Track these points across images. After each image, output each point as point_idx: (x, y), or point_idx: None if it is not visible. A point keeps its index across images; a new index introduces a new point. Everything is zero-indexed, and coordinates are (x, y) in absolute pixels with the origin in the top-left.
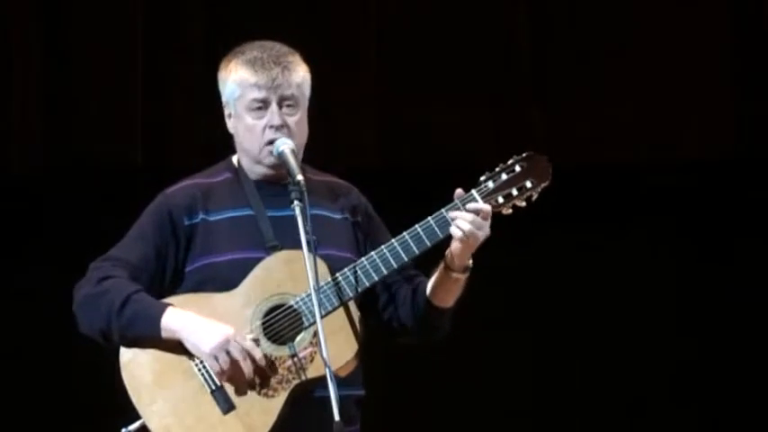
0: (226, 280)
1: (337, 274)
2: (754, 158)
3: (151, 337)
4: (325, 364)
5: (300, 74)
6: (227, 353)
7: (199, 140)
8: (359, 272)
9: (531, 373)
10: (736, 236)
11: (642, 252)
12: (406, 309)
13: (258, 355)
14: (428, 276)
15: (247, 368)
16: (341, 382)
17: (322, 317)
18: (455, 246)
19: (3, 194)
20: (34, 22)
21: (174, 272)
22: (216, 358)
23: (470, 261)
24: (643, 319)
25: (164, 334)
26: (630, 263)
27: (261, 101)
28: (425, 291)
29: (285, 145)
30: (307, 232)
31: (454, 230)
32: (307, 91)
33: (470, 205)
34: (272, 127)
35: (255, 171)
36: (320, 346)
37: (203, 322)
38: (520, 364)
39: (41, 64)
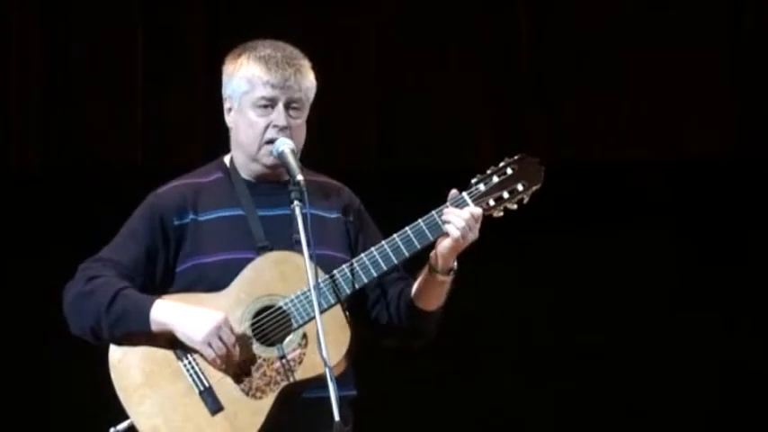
0: (216, 280)
1: (327, 276)
2: (755, 158)
3: (141, 332)
4: (325, 364)
5: (310, 79)
6: (220, 338)
7: (199, 140)
8: (348, 274)
9: (530, 373)
10: (737, 236)
11: (642, 252)
12: (392, 309)
13: (247, 339)
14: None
15: (238, 351)
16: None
17: (314, 318)
18: (443, 246)
19: (3, 194)
20: (34, 22)
21: (164, 272)
22: (209, 345)
23: (455, 264)
24: (643, 319)
25: (153, 327)
26: (630, 263)
27: (269, 99)
28: (410, 293)
29: (285, 145)
30: (306, 233)
31: (451, 230)
32: (312, 96)
33: (465, 209)
34: (275, 126)
35: (250, 168)
36: (319, 346)
37: (192, 311)
38: (518, 364)
39: (41, 64)
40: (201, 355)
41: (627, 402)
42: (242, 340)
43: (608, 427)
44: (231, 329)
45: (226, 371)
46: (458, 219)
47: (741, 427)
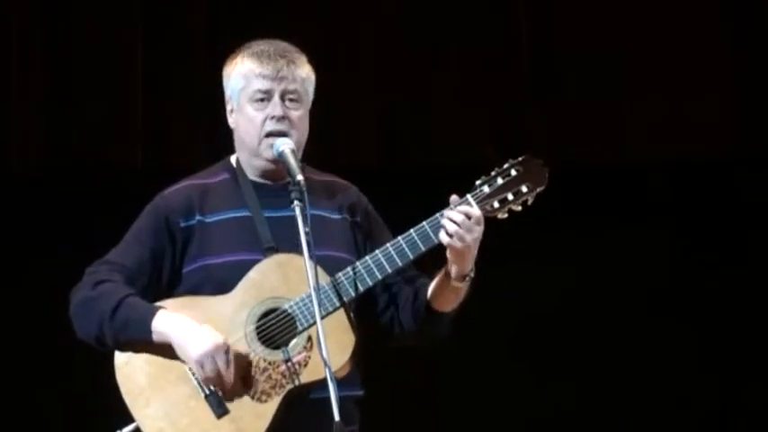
0: (222, 281)
1: (332, 279)
2: (755, 158)
3: (143, 341)
4: (326, 364)
5: (305, 70)
6: (214, 361)
7: (199, 140)
8: (354, 276)
9: (532, 373)
10: (737, 236)
11: (642, 252)
12: (406, 312)
13: (243, 364)
14: (431, 278)
15: (230, 378)
16: (339, 383)
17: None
18: (447, 251)
19: (3, 194)
20: (35, 22)
21: (171, 274)
22: (201, 366)
23: (472, 271)
24: (642, 319)
25: (155, 337)
26: (630, 263)
27: (264, 92)
28: (426, 294)
29: (285, 145)
30: (306, 233)
31: (441, 234)
32: (310, 89)
33: (460, 207)
34: (272, 118)
35: (254, 166)
36: (319, 346)
37: (193, 328)
38: (520, 364)
39: (41, 64)
40: None
41: (627, 402)
42: (240, 360)
43: (608, 427)
44: (229, 354)
45: (218, 387)
46: (449, 223)
47: (741, 428)
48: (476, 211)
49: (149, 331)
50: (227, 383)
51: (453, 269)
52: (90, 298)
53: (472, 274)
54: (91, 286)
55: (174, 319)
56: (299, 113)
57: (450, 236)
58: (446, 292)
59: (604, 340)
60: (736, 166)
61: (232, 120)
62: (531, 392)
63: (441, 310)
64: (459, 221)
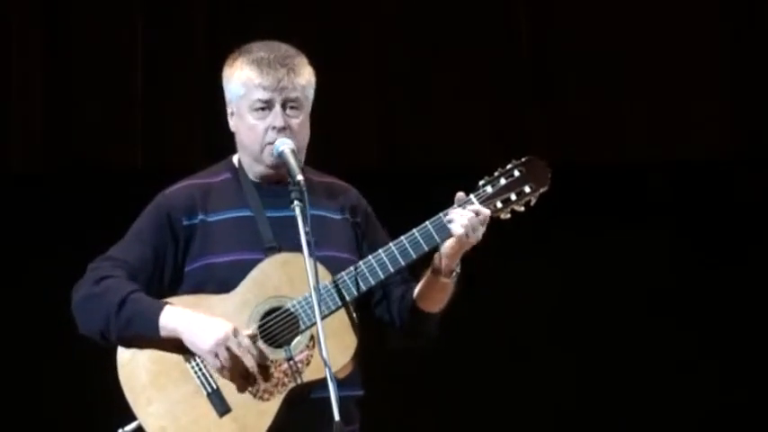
0: (225, 281)
1: (335, 278)
2: (755, 158)
3: (150, 337)
4: (325, 364)
5: (306, 76)
6: (227, 349)
7: (199, 141)
8: (356, 276)
9: (533, 372)
10: (737, 236)
11: (641, 252)
12: (393, 310)
13: (256, 350)
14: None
15: (246, 364)
16: (340, 383)
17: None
18: (446, 246)
19: (3, 194)
20: (35, 22)
21: (173, 272)
22: (216, 355)
23: (458, 267)
24: (642, 319)
25: (162, 333)
26: (630, 263)
27: (265, 102)
28: (413, 294)
29: (285, 145)
30: (306, 233)
31: (454, 227)
32: (310, 93)
33: (470, 206)
34: (274, 128)
35: (255, 171)
36: (319, 346)
37: (201, 319)
38: (519, 364)
39: (41, 64)
40: None
41: (627, 402)
42: (251, 348)
43: (608, 427)
44: (241, 339)
45: (232, 377)
46: (461, 217)
47: (741, 428)
48: (484, 209)
49: (157, 327)
50: (247, 369)
51: (444, 263)
52: (94, 293)
53: (458, 270)
54: (94, 282)
55: (182, 313)
56: (300, 120)
57: (461, 230)
58: (434, 290)
59: (604, 340)
60: (736, 166)
61: (233, 123)
62: (531, 392)
63: (426, 311)
64: (470, 217)
